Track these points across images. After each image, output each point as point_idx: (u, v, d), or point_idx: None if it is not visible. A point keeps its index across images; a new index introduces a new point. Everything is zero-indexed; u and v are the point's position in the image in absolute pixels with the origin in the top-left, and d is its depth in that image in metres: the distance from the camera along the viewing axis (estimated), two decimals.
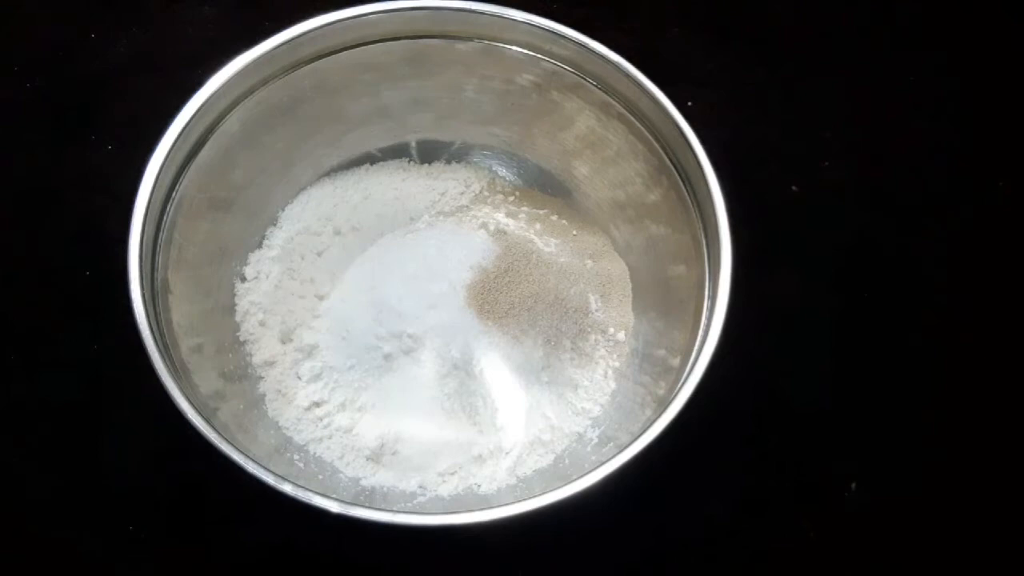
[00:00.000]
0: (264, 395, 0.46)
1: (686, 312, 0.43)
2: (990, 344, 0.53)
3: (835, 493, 0.49)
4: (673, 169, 0.45)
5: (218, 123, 0.44)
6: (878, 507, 0.48)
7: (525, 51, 0.46)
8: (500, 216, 0.51)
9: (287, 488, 0.35)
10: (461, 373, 0.46)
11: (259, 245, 0.49)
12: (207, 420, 0.36)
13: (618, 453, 0.35)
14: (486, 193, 0.52)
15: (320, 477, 0.44)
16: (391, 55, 0.46)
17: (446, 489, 0.44)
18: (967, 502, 0.49)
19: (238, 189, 0.47)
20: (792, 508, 0.48)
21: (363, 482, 0.44)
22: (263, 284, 0.48)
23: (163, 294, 0.40)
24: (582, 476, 0.35)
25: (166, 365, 0.36)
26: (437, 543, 0.44)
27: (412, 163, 0.53)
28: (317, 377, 0.46)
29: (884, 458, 0.49)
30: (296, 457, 0.44)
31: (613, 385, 0.48)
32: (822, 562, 0.48)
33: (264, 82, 0.45)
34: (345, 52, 0.46)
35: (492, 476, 0.45)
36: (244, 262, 0.48)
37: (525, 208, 0.51)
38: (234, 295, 0.48)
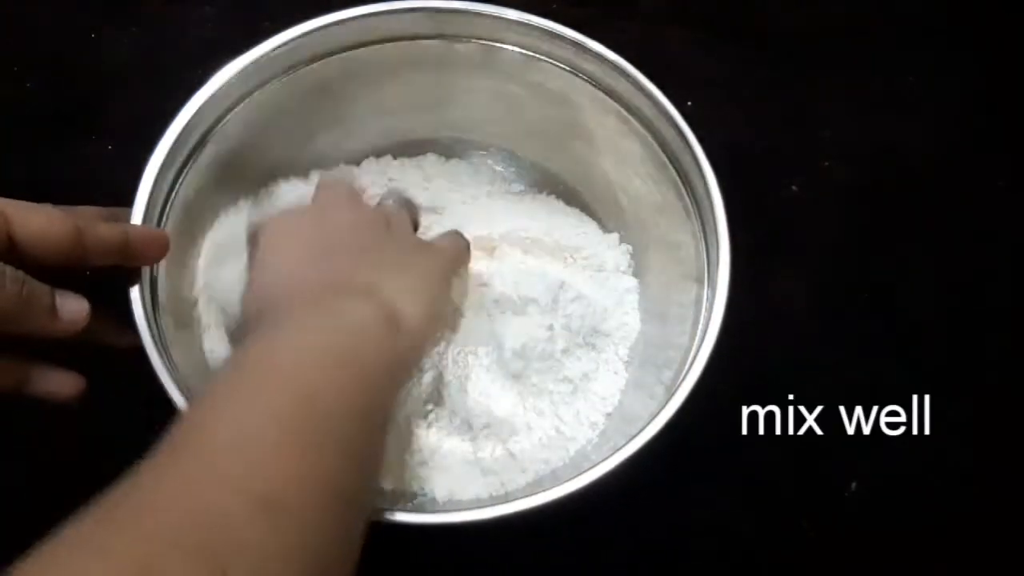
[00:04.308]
0: None
1: (686, 312, 0.43)
2: (990, 343, 0.53)
3: (835, 493, 0.48)
4: (672, 169, 0.44)
5: (218, 123, 0.43)
6: (878, 507, 0.48)
7: (524, 51, 0.46)
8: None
9: None
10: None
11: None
12: None
13: (616, 452, 0.35)
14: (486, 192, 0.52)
15: None
16: (390, 56, 0.46)
17: None
18: (968, 501, 0.49)
19: (238, 189, 0.47)
20: (792, 508, 0.48)
21: None
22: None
23: (163, 292, 0.40)
24: (581, 475, 0.35)
25: (165, 365, 0.36)
26: (437, 543, 0.44)
27: (412, 163, 0.53)
28: None
29: (884, 458, 0.49)
30: None
31: (614, 385, 0.47)
32: (822, 562, 0.48)
33: (264, 82, 0.44)
34: (345, 53, 0.46)
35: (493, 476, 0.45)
36: (243, 262, 0.48)
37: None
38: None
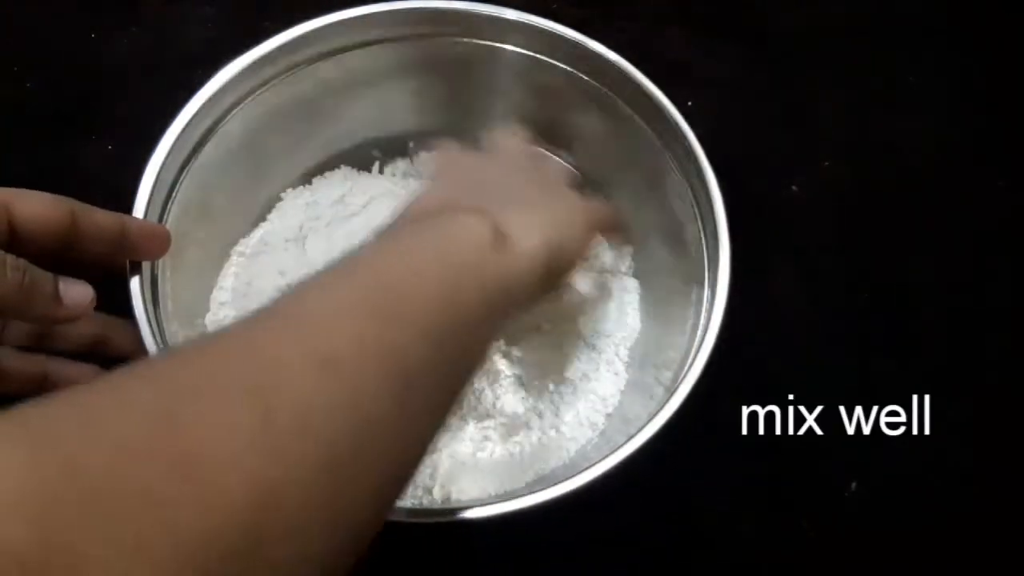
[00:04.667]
0: None
1: (686, 312, 0.43)
2: (990, 343, 0.53)
3: (835, 493, 0.48)
4: (673, 169, 0.44)
5: (218, 123, 0.43)
6: (878, 507, 0.48)
7: (524, 51, 0.46)
8: None
9: None
10: None
11: (261, 243, 0.49)
12: None
13: (615, 452, 0.35)
14: None
15: None
16: (391, 56, 0.46)
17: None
18: (968, 501, 0.49)
19: (238, 189, 0.47)
20: (792, 508, 0.48)
21: None
22: (260, 282, 0.48)
23: (163, 293, 0.40)
24: (580, 475, 0.35)
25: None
26: (436, 543, 0.44)
27: (411, 163, 0.52)
28: None
29: (884, 458, 0.49)
30: None
31: (614, 386, 0.47)
32: (822, 562, 0.48)
33: (264, 82, 0.44)
34: (345, 53, 0.46)
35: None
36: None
37: None
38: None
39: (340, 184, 0.51)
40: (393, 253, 0.30)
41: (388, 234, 0.32)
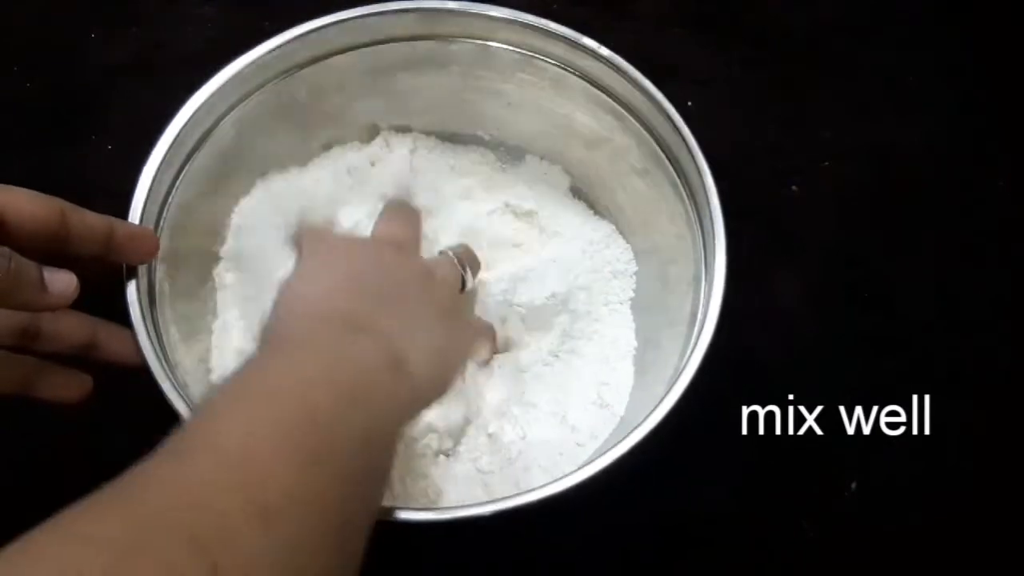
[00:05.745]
0: None
1: (683, 311, 0.43)
2: (990, 343, 0.53)
3: (835, 493, 0.48)
4: (671, 168, 0.44)
5: (217, 124, 0.43)
6: (878, 507, 0.48)
7: (521, 51, 0.46)
8: (498, 215, 0.51)
9: None
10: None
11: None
12: None
13: (609, 451, 0.35)
14: (482, 194, 0.52)
15: None
16: (389, 57, 0.46)
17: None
18: (968, 501, 0.49)
19: (237, 190, 0.47)
20: (792, 508, 0.48)
21: None
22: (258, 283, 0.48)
23: (161, 294, 0.40)
24: (577, 472, 0.34)
25: (162, 366, 0.36)
26: (436, 543, 0.44)
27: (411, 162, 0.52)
28: None
29: (884, 458, 0.49)
30: None
31: (613, 386, 0.47)
32: (822, 562, 0.48)
33: (263, 83, 0.44)
34: (344, 54, 0.46)
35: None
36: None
37: (525, 207, 0.51)
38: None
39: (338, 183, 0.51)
40: (309, 378, 0.29)
41: (300, 351, 0.31)
